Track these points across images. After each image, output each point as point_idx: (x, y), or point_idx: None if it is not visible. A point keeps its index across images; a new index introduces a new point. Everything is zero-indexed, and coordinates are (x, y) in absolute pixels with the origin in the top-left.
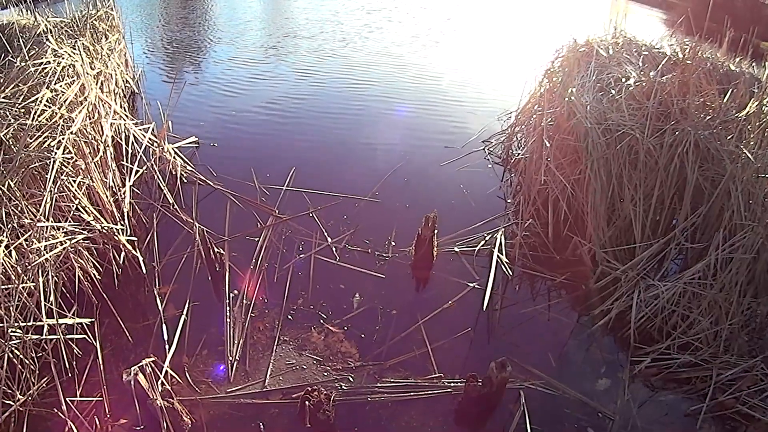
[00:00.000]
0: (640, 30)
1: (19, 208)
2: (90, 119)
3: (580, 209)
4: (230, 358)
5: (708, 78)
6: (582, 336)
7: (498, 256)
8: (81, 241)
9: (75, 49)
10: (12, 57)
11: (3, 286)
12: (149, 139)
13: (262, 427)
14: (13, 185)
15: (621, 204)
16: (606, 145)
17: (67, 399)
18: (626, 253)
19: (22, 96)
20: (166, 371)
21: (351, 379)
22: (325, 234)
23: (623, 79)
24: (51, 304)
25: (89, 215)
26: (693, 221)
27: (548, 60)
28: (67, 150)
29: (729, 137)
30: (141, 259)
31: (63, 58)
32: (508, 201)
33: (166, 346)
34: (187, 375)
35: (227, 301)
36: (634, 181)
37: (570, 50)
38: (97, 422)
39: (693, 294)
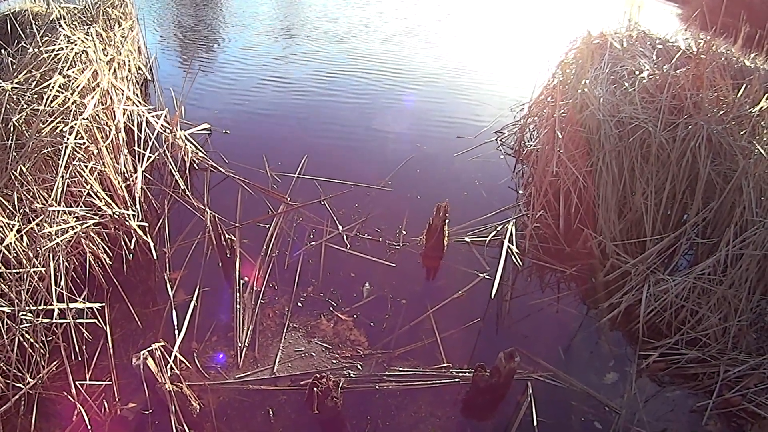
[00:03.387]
0: (655, 23)
1: (31, 193)
2: (102, 105)
3: (591, 201)
4: (239, 345)
5: (722, 73)
6: (590, 329)
7: (508, 247)
8: (92, 226)
9: (88, 35)
10: (25, 43)
11: (14, 270)
12: (162, 125)
13: (270, 413)
14: (25, 170)
15: (632, 197)
16: (618, 138)
17: (77, 382)
18: (636, 247)
19: (35, 82)
20: (176, 356)
21: (360, 367)
22: (336, 222)
23: (637, 72)
24: (62, 289)
25: (101, 200)
26: (704, 216)
27: (562, 52)
28: (79, 135)
29: (742, 132)
30: (152, 244)
31: (76, 45)
32: (520, 192)
33: (176, 332)
34: (196, 360)
35: (237, 287)
36: (646, 174)
37: (584, 42)
38: (106, 406)
39: (702, 289)
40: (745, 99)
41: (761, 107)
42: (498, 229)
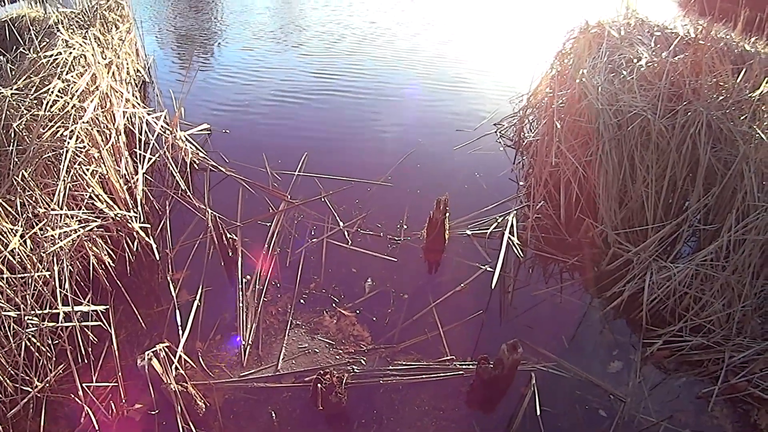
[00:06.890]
0: (653, 11)
1: (34, 198)
2: (102, 108)
3: (591, 191)
4: (243, 343)
5: (721, 58)
6: (594, 318)
7: (510, 239)
8: (95, 228)
9: (86, 39)
10: (24, 49)
11: (19, 275)
12: (161, 126)
13: (275, 410)
14: (27, 175)
15: (633, 185)
16: (617, 127)
17: (84, 385)
18: (638, 235)
19: (35, 87)
20: (180, 356)
21: (363, 362)
22: (337, 218)
23: (635, 60)
24: (66, 292)
25: (102, 203)
26: (705, 202)
27: (559, 42)
28: (80, 139)
29: (742, 117)
30: (154, 245)
31: (74, 49)
32: (520, 183)
33: (180, 332)
34: (201, 359)
35: (240, 286)
36: (646, 162)
37: (581, 32)
38: (113, 407)
39: (705, 276)
40: (745, 84)
41: (762, 92)
42: (499, 221)
